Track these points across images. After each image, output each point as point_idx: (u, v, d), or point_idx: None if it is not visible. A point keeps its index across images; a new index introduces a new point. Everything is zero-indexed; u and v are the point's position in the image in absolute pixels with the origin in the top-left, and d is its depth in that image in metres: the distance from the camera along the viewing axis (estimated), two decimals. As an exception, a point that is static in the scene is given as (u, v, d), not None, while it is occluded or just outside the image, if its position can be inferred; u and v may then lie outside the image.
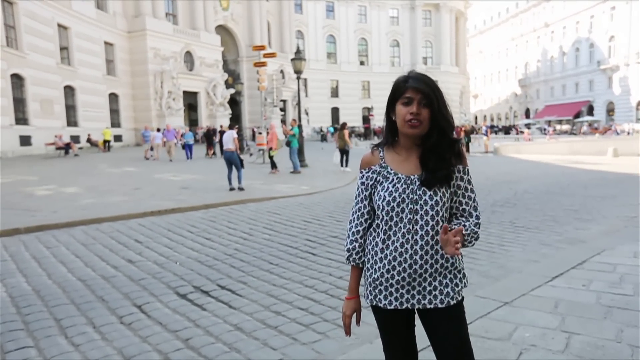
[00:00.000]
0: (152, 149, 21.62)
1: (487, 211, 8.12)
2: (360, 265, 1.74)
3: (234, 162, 11.09)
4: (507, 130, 55.72)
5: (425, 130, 1.59)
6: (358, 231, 1.72)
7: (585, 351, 2.84)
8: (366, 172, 1.70)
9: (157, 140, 21.68)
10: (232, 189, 11.04)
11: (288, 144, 15.18)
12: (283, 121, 45.02)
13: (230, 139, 11.20)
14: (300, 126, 17.74)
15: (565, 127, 51.79)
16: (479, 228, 1.64)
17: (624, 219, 7.25)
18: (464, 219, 1.64)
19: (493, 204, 8.78)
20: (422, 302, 1.61)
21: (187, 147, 21.25)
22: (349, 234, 1.75)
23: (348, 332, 1.75)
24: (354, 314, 1.75)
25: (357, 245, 1.72)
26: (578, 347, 2.89)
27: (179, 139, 22.65)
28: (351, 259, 1.74)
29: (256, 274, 4.86)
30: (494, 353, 2.85)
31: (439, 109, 1.59)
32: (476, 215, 1.65)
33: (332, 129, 46.08)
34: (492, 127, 61.46)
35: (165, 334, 3.45)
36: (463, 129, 26.12)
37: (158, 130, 24.20)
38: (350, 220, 1.75)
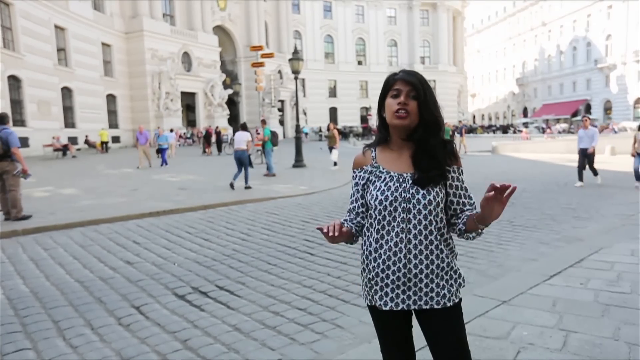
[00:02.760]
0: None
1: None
2: (363, 266, 1.72)
3: (244, 161, 11.45)
4: (504, 129, 55.80)
5: (413, 123, 1.59)
6: (350, 217, 1.74)
7: (582, 349, 2.84)
8: (358, 172, 1.70)
9: (170, 139, 23.54)
10: (232, 185, 11.23)
11: (263, 146, 14.92)
12: (281, 122, 45.09)
13: (243, 140, 11.62)
14: (298, 126, 17.79)
15: (563, 125, 51.87)
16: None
17: (621, 217, 7.27)
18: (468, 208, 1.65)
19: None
20: (419, 303, 1.60)
21: (161, 152, 18.88)
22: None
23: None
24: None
25: (345, 218, 1.75)
26: (576, 345, 2.90)
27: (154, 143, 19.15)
28: (343, 219, 1.76)
29: (254, 274, 4.86)
30: (492, 352, 2.86)
31: (426, 102, 1.59)
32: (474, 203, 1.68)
33: (305, 130, 45.58)
34: (490, 126, 61.56)
35: (163, 335, 3.45)
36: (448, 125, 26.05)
37: (171, 130, 26.17)
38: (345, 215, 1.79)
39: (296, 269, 5.00)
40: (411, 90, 1.58)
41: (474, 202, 1.66)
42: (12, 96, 23.45)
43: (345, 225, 1.70)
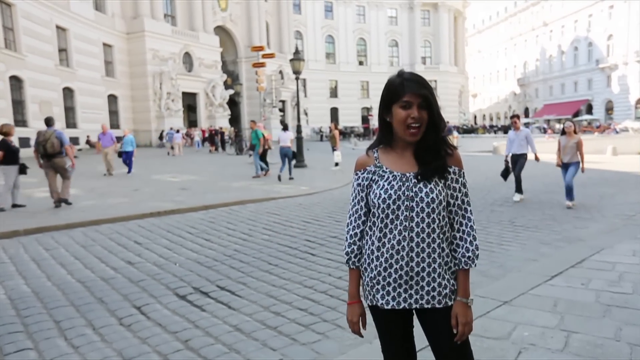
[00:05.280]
0: (172, 147, 25.64)
1: (486, 210, 8.13)
2: (361, 267, 1.74)
3: (288, 156, 13.61)
4: (506, 129, 55.76)
5: (423, 133, 1.60)
6: (356, 233, 1.71)
7: (584, 350, 2.84)
8: (361, 174, 1.69)
9: (178, 140, 25.73)
10: (279, 178, 12.98)
11: (252, 147, 14.54)
12: (282, 122, 45.08)
13: (288, 138, 13.95)
14: (299, 126, 17.82)
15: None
16: (477, 249, 1.64)
17: (622, 217, 7.26)
18: (461, 236, 1.64)
19: (492, 203, 8.78)
20: (420, 302, 1.61)
21: (124, 156, 15.68)
22: (347, 237, 1.74)
23: (361, 336, 1.76)
24: (361, 318, 1.74)
25: (355, 248, 1.71)
26: (577, 345, 2.90)
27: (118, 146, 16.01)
28: (350, 262, 1.73)
29: (255, 274, 4.86)
30: (493, 352, 2.86)
31: (437, 110, 1.60)
32: (468, 217, 1.66)
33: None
34: (491, 126, 61.50)
35: (164, 335, 3.45)
36: None
37: (178, 131, 27.86)
38: (348, 223, 1.74)
39: (297, 269, 5.00)
40: (423, 102, 1.57)
41: (469, 208, 1.66)
42: (14, 97, 23.46)
43: (353, 266, 1.73)
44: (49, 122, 9.42)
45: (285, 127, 14.86)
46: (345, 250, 1.74)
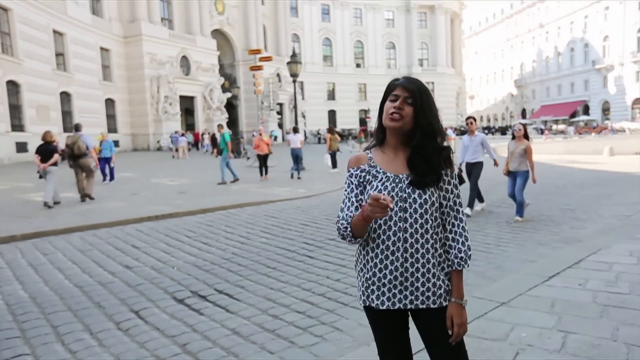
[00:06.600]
0: (177, 150, 26.49)
1: (484, 211, 8.14)
2: (355, 269, 1.75)
3: (299, 156, 14.46)
4: (503, 130, 55.88)
5: (406, 127, 1.62)
6: (352, 216, 1.61)
7: (581, 350, 2.85)
8: (354, 171, 1.69)
9: (182, 143, 26.69)
10: (297, 177, 14.09)
11: (220, 152, 13.78)
12: (280, 125, 45.11)
13: (298, 140, 14.81)
14: (296, 129, 17.84)
15: (562, 126, 51.97)
16: (469, 249, 1.65)
17: (620, 217, 7.28)
18: (453, 237, 1.65)
19: (490, 205, 8.80)
20: (415, 302, 1.62)
21: (102, 163, 14.03)
22: (341, 218, 1.64)
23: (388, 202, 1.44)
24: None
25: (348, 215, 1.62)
26: (574, 346, 2.91)
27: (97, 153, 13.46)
28: (346, 233, 1.62)
29: (253, 277, 4.86)
30: (491, 353, 2.86)
31: (422, 109, 1.61)
32: (460, 217, 1.67)
33: (275, 133, 38.53)
34: (488, 127, 61.65)
35: (162, 339, 3.45)
36: None
37: (182, 134, 28.74)
38: (342, 208, 1.66)
39: (295, 272, 5.00)
40: (408, 97, 1.61)
41: (460, 209, 1.68)
42: (11, 101, 23.43)
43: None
44: (77, 127, 10.89)
45: (295, 130, 15.94)
46: (340, 229, 1.63)
